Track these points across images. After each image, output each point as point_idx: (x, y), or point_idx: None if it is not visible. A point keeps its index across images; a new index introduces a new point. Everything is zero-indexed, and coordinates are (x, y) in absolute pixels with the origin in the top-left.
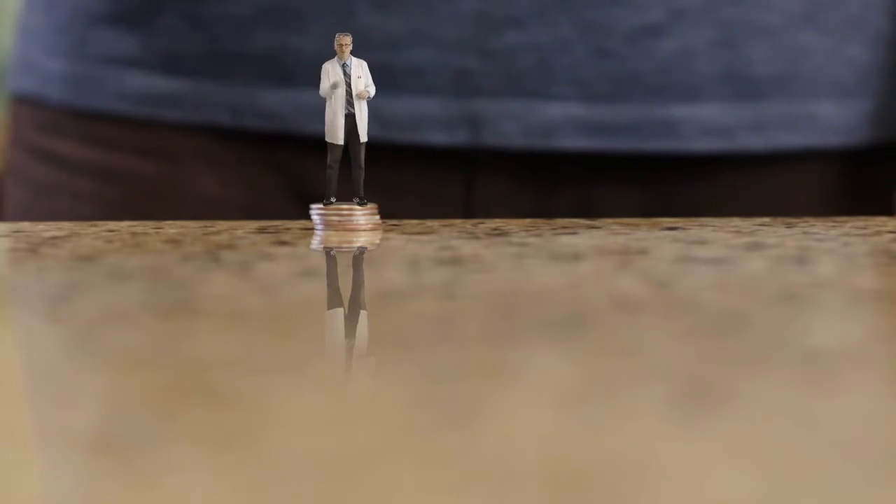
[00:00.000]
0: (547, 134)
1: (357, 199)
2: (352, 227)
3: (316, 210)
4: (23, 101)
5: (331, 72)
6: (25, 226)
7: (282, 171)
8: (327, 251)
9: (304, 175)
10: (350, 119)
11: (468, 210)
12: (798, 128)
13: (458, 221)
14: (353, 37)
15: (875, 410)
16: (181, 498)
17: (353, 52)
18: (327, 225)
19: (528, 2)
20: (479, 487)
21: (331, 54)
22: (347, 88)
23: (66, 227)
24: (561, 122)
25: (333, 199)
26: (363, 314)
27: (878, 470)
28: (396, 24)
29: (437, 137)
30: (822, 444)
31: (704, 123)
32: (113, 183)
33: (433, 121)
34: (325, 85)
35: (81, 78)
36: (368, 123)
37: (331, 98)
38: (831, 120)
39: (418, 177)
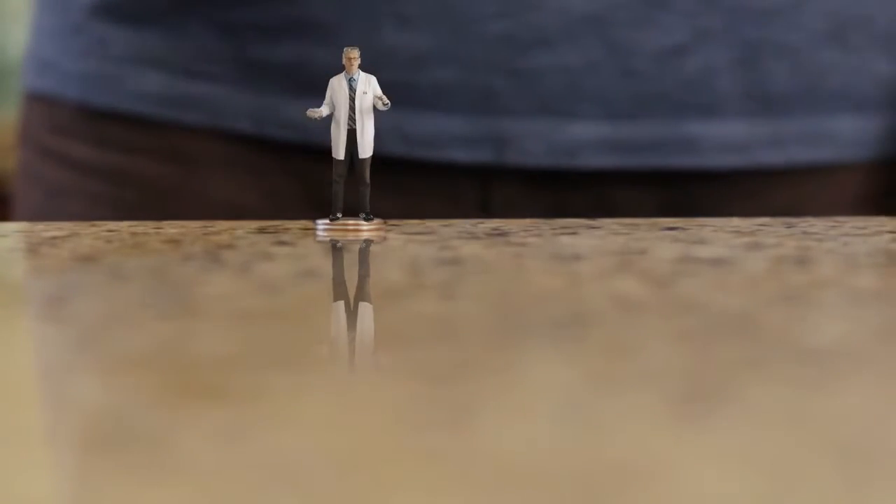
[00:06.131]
0: (571, 153)
1: (363, 215)
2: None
3: (322, 225)
4: (37, 101)
5: (336, 88)
6: (25, 226)
7: (300, 179)
8: (327, 251)
9: (323, 184)
10: (352, 135)
11: (485, 211)
12: (817, 144)
13: (457, 221)
14: (377, 53)
15: (874, 410)
16: (183, 497)
17: (376, 69)
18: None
19: (557, 23)
20: (478, 488)
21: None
22: (351, 104)
23: (66, 227)
24: (586, 141)
25: (340, 215)
26: (363, 314)
27: (878, 470)
28: (422, 42)
29: (460, 155)
30: (821, 445)
31: (724, 140)
32: (128, 186)
33: (457, 139)
34: (327, 100)
35: (101, 77)
36: (390, 139)
37: (335, 112)
38: (852, 135)
39: (435, 179)
